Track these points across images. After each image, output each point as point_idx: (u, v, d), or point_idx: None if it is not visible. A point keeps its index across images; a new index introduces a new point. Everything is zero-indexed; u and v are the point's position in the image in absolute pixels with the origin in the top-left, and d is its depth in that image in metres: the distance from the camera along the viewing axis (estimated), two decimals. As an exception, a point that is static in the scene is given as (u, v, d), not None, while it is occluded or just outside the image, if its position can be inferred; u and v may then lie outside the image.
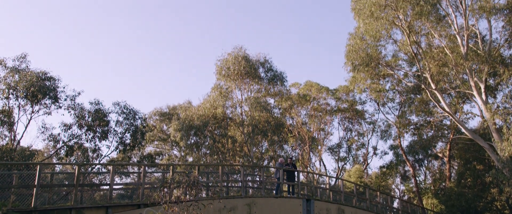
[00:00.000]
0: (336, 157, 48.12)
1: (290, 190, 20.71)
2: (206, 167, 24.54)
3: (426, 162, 44.39)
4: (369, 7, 26.03)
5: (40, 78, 23.59)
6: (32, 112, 23.95)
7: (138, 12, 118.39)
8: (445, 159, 39.41)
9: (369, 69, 30.22)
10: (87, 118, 24.88)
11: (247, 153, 36.31)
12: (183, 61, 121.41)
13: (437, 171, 43.78)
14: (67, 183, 24.29)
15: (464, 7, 26.43)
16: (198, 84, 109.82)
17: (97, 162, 25.17)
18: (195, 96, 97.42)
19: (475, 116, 35.85)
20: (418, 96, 37.52)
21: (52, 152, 28.23)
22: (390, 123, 43.56)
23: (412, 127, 40.90)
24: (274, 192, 20.88)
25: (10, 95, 22.99)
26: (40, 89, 22.90)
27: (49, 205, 14.58)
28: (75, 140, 24.60)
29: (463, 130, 29.11)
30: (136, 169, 33.39)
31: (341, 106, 45.58)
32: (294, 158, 42.45)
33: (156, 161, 40.18)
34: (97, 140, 25.03)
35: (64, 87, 24.74)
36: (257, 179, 26.00)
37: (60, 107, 24.59)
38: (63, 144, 24.53)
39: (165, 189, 12.88)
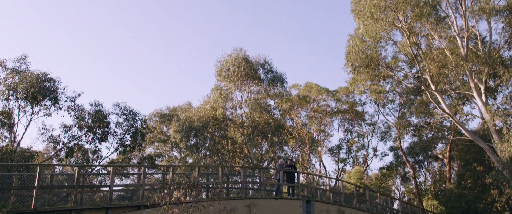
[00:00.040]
0: (336, 158, 48.12)
1: (290, 191, 20.70)
2: (206, 168, 24.53)
3: (426, 163, 44.39)
4: (369, 9, 26.04)
5: (40, 79, 23.59)
6: (32, 113, 23.94)
7: (138, 13, 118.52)
8: (445, 160, 39.40)
9: (369, 70, 30.24)
10: (87, 119, 24.87)
11: (247, 154, 36.30)
12: (183, 63, 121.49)
13: (437, 172, 43.76)
14: (67, 184, 24.26)
15: (464, 8, 26.45)
16: (198, 85, 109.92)
17: (97, 163, 25.16)
18: (195, 97, 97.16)
19: (475, 117, 35.89)
20: (418, 97, 37.53)
21: (52, 153, 28.21)
22: (390, 124, 43.60)
23: (412, 128, 40.91)
24: (274, 193, 20.87)
25: (10, 97, 22.98)
26: (40, 91, 22.90)
27: (49, 207, 14.56)
28: (75, 141, 24.59)
29: (463, 131, 29.10)
30: (136, 171, 33.35)
31: (341, 107, 45.58)
32: (294, 159, 42.44)
33: (156, 162, 40.14)
34: (97, 141, 25.02)
35: (64, 89, 24.75)
36: (257, 180, 26.01)
37: (60, 108, 24.59)
38: (63, 145, 24.52)
39: (165, 191, 12.87)
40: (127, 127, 26.17)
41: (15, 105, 23.38)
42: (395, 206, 37.78)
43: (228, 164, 35.76)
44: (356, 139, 48.07)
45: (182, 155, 41.72)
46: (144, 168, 16.62)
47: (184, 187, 12.70)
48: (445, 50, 27.72)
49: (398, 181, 49.23)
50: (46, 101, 23.90)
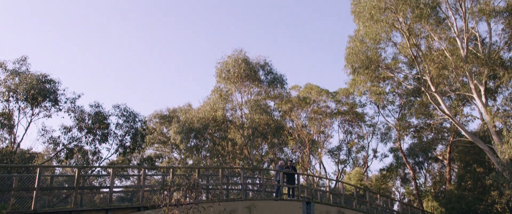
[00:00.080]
0: (336, 160, 48.11)
1: (290, 192, 20.70)
2: (206, 170, 24.53)
3: (426, 164, 44.36)
4: (369, 10, 26.06)
5: (40, 81, 23.59)
6: (32, 114, 23.94)
7: (138, 14, 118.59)
8: (445, 162, 39.38)
9: (369, 72, 30.25)
10: (87, 120, 24.86)
11: (247, 155, 36.30)
12: (183, 64, 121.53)
13: (437, 173, 43.73)
14: (67, 185, 24.30)
15: (463, 10, 26.47)
16: (198, 87, 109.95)
17: (97, 164, 25.15)
18: (195, 99, 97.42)
19: (475, 119, 35.90)
20: (418, 99, 37.54)
21: (52, 154, 28.19)
22: (390, 125, 43.60)
23: (412, 129, 40.90)
24: (274, 194, 20.87)
25: (10, 98, 22.99)
26: (40, 92, 22.90)
27: (49, 208, 14.56)
28: (75, 143, 24.59)
29: (463, 133, 29.10)
30: (136, 172, 33.34)
31: (341, 109, 45.58)
32: (294, 161, 42.43)
33: (156, 163, 40.12)
34: (97, 142, 25.01)
35: (64, 90, 24.76)
36: (257, 181, 25.97)
37: (60, 110, 24.59)
38: (63, 147, 24.52)
39: (165, 192, 12.87)
40: (127, 128, 26.16)
41: (15, 106, 23.40)
42: (395, 207, 37.79)
43: (228, 165, 35.75)
44: (356, 140, 48.08)
45: (182, 156, 41.72)
46: (144, 169, 16.61)
47: (184, 188, 12.70)
48: (445, 51, 27.74)
49: (398, 183, 49.23)
50: (46, 102, 23.91)
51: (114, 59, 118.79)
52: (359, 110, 45.83)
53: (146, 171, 24.66)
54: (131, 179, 37.95)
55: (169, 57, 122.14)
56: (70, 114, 24.78)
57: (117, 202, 28.81)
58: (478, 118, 32.08)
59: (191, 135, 34.13)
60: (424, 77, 28.35)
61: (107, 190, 16.77)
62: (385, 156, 46.51)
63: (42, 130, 24.63)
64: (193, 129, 33.74)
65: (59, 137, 24.57)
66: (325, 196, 26.10)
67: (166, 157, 46.38)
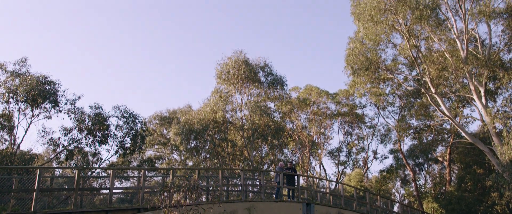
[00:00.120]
0: (336, 161, 48.10)
1: (290, 194, 20.69)
2: (206, 171, 24.54)
3: (426, 166, 44.36)
4: (369, 11, 26.08)
5: (40, 82, 23.59)
6: (32, 115, 23.94)
7: (138, 16, 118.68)
8: (445, 163, 39.37)
9: (369, 73, 30.26)
10: (87, 122, 24.85)
11: (247, 157, 36.29)
12: (183, 65, 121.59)
13: (437, 175, 43.71)
14: (67, 187, 24.31)
15: (463, 11, 26.49)
16: (198, 88, 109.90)
17: (97, 166, 25.13)
18: (195, 100, 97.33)
19: (475, 120, 35.88)
20: (418, 100, 37.54)
21: (52, 156, 28.18)
22: (390, 126, 43.59)
23: (412, 130, 40.89)
24: (274, 196, 20.86)
25: (10, 99, 22.99)
26: (40, 93, 22.90)
27: (49, 209, 14.55)
28: (75, 144, 24.58)
29: (463, 134, 29.10)
30: (136, 173, 33.39)
31: (341, 110, 45.59)
32: (294, 162, 42.41)
33: (156, 165, 40.11)
34: (97, 144, 25.00)
35: (64, 91, 24.75)
36: (257, 183, 25.95)
37: (60, 111, 24.59)
38: (63, 148, 24.51)
39: (165, 193, 12.87)
40: (127, 130, 26.15)
41: (15, 108, 23.40)
42: (395, 208, 37.77)
43: (228, 166, 35.75)
44: (356, 142, 48.06)
45: (182, 158, 41.72)
46: (144, 170, 16.60)
47: (184, 189, 12.70)
48: (445, 53, 27.75)
49: (398, 184, 49.22)
50: (46, 104, 23.91)
51: (114, 61, 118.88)
52: (359, 111, 45.86)
53: (146, 172, 24.65)
54: (131, 180, 37.90)
55: (169, 58, 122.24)
56: (70, 115, 24.79)
57: (117, 204, 28.76)
58: (478, 119, 32.13)
59: (191, 136, 34.14)
60: (424, 79, 28.36)
61: (107, 191, 16.77)
62: (385, 157, 46.54)
63: (42, 131, 24.63)
64: (193, 130, 33.75)
65: (59, 138, 24.56)
66: (325, 198, 26.09)
67: (166, 158, 46.39)
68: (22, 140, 23.91)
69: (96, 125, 24.73)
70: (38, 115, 24.13)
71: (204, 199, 18.70)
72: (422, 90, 29.03)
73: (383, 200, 29.60)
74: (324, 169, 49.50)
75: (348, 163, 48.33)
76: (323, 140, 47.31)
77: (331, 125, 46.80)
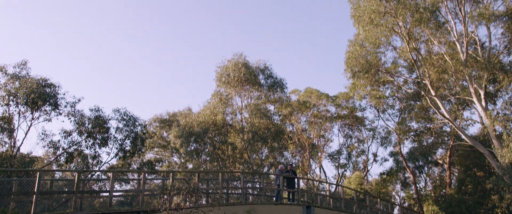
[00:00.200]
0: (336, 164, 48.06)
1: (290, 197, 20.67)
2: (206, 174, 24.50)
3: (426, 168, 44.32)
4: (368, 14, 26.09)
5: (40, 85, 23.63)
6: (32, 118, 23.96)
7: (138, 18, 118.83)
8: (446, 166, 39.35)
9: (368, 76, 30.26)
10: (87, 124, 24.88)
11: (247, 159, 36.27)
12: (183, 68, 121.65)
13: (437, 177, 43.68)
14: (66, 190, 24.22)
15: (463, 14, 26.51)
16: (198, 91, 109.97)
17: (97, 168, 25.14)
18: (195, 103, 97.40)
19: (475, 123, 35.85)
20: (418, 103, 37.53)
21: (52, 158, 28.19)
22: (390, 129, 43.57)
23: (412, 133, 40.88)
24: (274, 199, 20.84)
25: (10, 102, 23.01)
26: (40, 96, 22.93)
27: (48, 212, 14.56)
28: (75, 147, 24.59)
29: (463, 137, 29.09)
30: (136, 176, 33.29)
31: (341, 113, 45.59)
32: (294, 165, 42.39)
33: (156, 167, 40.11)
34: (97, 146, 25.02)
35: (64, 94, 24.80)
36: (257, 185, 25.98)
37: (60, 114, 24.63)
38: (63, 151, 24.51)
39: (165, 196, 12.85)
40: (127, 132, 26.17)
41: (15, 110, 23.44)
42: (396, 211, 37.72)
43: (228, 169, 35.72)
44: (356, 144, 48.06)
45: (182, 160, 41.69)
46: (144, 173, 16.59)
47: (184, 192, 12.68)
48: (444, 55, 27.76)
49: (398, 187, 49.16)
50: (46, 106, 23.93)
51: (114, 63, 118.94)
52: (359, 114, 45.87)
53: (146, 175, 24.64)
54: (131, 183, 37.96)
55: (169, 61, 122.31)
56: (70, 118, 24.83)
57: (117, 206, 28.74)
58: (478, 122, 32.09)
59: (191, 139, 34.13)
60: (424, 81, 28.37)
61: (107, 194, 16.77)
62: (385, 160, 46.53)
63: (42, 134, 24.65)
64: (193, 133, 33.74)
65: (59, 141, 24.59)
66: (325, 200, 26.07)
67: (166, 161, 46.37)
68: (22, 143, 23.97)
69: (96, 127, 24.75)
70: (38, 118, 24.17)
71: (204, 202, 18.69)
72: (422, 93, 29.02)
73: (383, 203, 29.57)
74: (324, 172, 49.51)
75: (348, 165, 48.32)
76: (323, 143, 47.32)
77: (331, 127, 46.82)
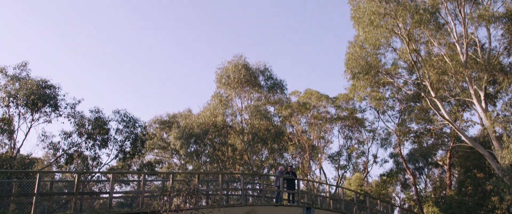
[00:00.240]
0: (336, 165, 48.03)
1: (290, 198, 20.66)
2: (206, 175, 24.50)
3: (426, 170, 44.27)
4: (368, 16, 26.11)
5: (40, 86, 23.62)
6: (32, 120, 23.95)
7: (138, 20, 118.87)
8: (446, 167, 39.33)
9: (368, 77, 30.28)
10: (87, 126, 24.86)
11: (247, 161, 36.26)
12: (183, 70, 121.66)
13: (437, 179, 43.66)
14: (66, 191, 24.19)
15: (463, 15, 26.52)
16: (198, 92, 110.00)
17: (97, 170, 25.12)
18: (195, 104, 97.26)
19: (475, 124, 35.87)
20: (418, 104, 37.53)
21: (52, 160, 28.18)
22: (390, 130, 43.56)
23: (412, 135, 40.87)
24: (274, 200, 20.84)
25: (10, 104, 23.01)
26: (40, 98, 22.92)
27: (48, 214, 14.54)
28: (75, 148, 24.57)
29: (463, 138, 29.09)
30: (136, 177, 33.23)
31: (341, 114, 45.57)
32: (294, 166, 42.36)
33: (156, 169, 40.05)
34: (97, 148, 25.00)
35: (64, 96, 24.78)
36: (257, 187, 25.93)
37: (60, 115, 24.60)
38: (63, 152, 24.50)
39: (165, 197, 12.85)
40: (127, 134, 26.16)
41: (15, 112, 23.41)
42: (396, 213, 37.77)
43: (228, 170, 35.71)
44: (356, 146, 48.03)
45: (182, 162, 41.67)
46: (144, 174, 16.60)
47: (184, 194, 12.69)
48: (444, 57, 27.77)
49: (398, 188, 49.13)
50: (46, 108, 23.92)
51: (114, 65, 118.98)
52: (359, 115, 45.85)
53: (146, 176, 24.62)
54: (131, 184, 37.89)
55: (169, 62, 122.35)
56: (70, 119, 24.80)
57: (116, 208, 28.71)
58: (478, 123, 32.10)
59: (191, 140, 34.12)
60: (424, 83, 28.37)
61: (107, 195, 16.75)
62: (385, 162, 46.50)
63: (42, 135, 24.63)
64: (193, 134, 33.73)
65: (59, 142, 24.57)
66: (325, 202, 26.06)
67: (166, 163, 46.34)
68: (22, 144, 23.96)
69: (96, 129, 24.74)
70: (38, 119, 24.15)
71: (204, 203, 18.67)
72: (422, 94, 29.02)
73: (383, 204, 29.55)
74: (324, 173, 49.48)
75: (348, 167, 48.28)
76: (323, 144, 47.28)
77: (331, 129, 46.79)
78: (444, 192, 39.95)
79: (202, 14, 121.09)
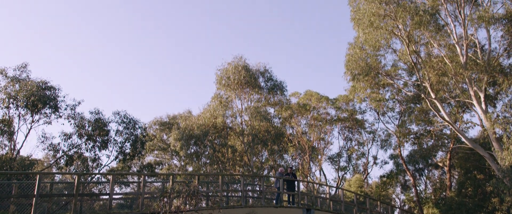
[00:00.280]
0: (336, 167, 48.01)
1: (290, 199, 20.66)
2: (206, 177, 24.49)
3: (426, 171, 44.26)
4: (368, 17, 26.13)
5: (40, 87, 23.62)
6: (32, 121, 23.94)
7: (138, 21, 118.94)
8: (446, 168, 39.32)
9: (368, 78, 30.28)
10: (87, 127, 24.85)
11: (247, 162, 36.25)
12: (183, 71, 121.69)
13: (437, 180, 43.63)
14: (66, 192, 24.19)
15: (463, 16, 26.54)
16: (198, 94, 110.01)
17: (97, 171, 25.11)
18: (195, 105, 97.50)
19: (475, 125, 35.87)
20: (418, 105, 37.53)
21: (52, 161, 28.15)
22: (390, 132, 43.56)
23: (412, 136, 40.86)
24: (274, 201, 20.83)
25: (11, 105, 23.00)
26: (40, 99, 22.91)
27: (48, 215, 14.52)
28: (75, 150, 24.55)
29: (463, 139, 29.08)
30: (136, 179, 33.30)
31: (341, 115, 45.57)
32: (294, 168, 42.34)
33: (156, 170, 40.04)
34: (97, 149, 24.98)
35: (64, 97, 24.77)
36: (257, 188, 25.91)
37: (60, 116, 24.59)
38: (63, 154, 24.49)
39: (165, 199, 12.85)
40: (127, 135, 26.14)
41: (15, 113, 23.40)
42: (396, 214, 37.68)
43: (228, 172, 35.70)
44: (356, 147, 48.01)
45: (182, 163, 41.67)
46: (144, 176, 16.58)
47: (184, 195, 12.69)
48: (444, 58, 27.78)
49: (398, 189, 49.10)
50: (46, 109, 23.92)
51: (114, 66, 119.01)
52: (359, 116, 45.85)
53: (146, 178, 24.61)
54: (131, 186, 37.87)
55: (169, 64, 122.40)
56: (70, 121, 24.79)
57: (116, 209, 28.67)
58: (478, 125, 32.11)
59: (191, 141, 34.11)
60: (423, 84, 28.38)
61: (107, 197, 16.75)
62: (385, 163, 46.47)
63: (42, 136, 24.63)
64: (193, 136, 33.73)
65: (59, 143, 24.55)
66: (325, 203, 26.05)
67: (166, 164, 46.33)
68: (22, 145, 23.92)
69: (96, 130, 24.72)
70: (38, 120, 24.14)
71: (204, 205, 18.66)
72: (422, 95, 29.03)
73: (384, 206, 29.54)
74: (324, 175, 49.38)
75: (348, 168, 48.27)
76: (323, 145, 47.28)
77: (331, 130, 46.80)
78: (444, 193, 39.93)
79: (202, 14, 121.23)
